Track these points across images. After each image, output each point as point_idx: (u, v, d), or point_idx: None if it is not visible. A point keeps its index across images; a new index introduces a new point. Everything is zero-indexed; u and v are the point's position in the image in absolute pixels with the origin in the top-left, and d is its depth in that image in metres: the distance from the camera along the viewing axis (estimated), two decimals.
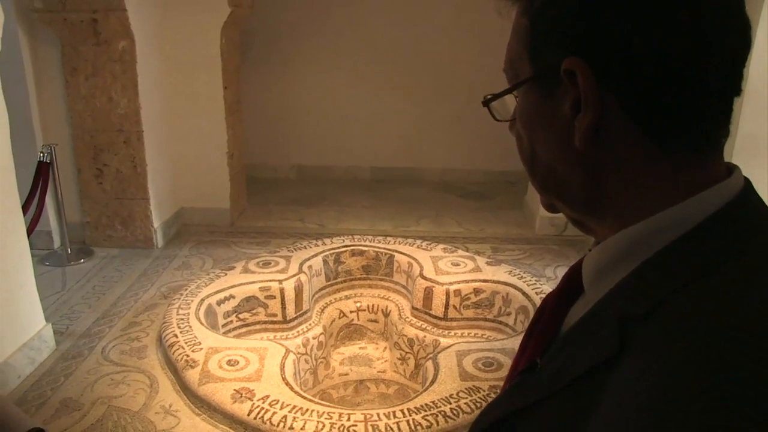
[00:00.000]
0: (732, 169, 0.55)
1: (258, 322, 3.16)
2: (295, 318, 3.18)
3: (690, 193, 0.52)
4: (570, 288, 0.63)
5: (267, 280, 3.18)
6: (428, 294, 3.18)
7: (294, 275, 3.22)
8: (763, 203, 0.54)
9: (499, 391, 2.27)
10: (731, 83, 0.53)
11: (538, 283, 3.22)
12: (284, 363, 2.55)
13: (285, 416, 2.21)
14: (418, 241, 3.70)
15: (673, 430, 0.39)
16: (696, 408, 0.39)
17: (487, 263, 3.44)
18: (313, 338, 3.15)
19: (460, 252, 3.64)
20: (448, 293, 3.14)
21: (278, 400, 2.30)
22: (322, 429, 2.15)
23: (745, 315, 0.43)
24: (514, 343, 2.67)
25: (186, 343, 2.67)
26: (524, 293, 3.08)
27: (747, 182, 0.54)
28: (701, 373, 0.40)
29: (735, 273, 0.47)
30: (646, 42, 0.50)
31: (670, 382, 0.41)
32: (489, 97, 0.65)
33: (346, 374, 3.26)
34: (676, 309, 0.46)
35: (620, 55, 0.51)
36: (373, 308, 3.47)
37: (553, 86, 0.55)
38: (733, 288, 0.46)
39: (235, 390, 2.36)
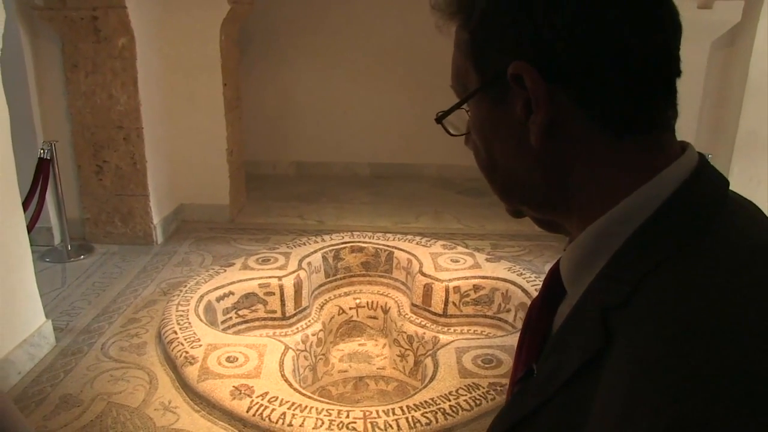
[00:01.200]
0: (685, 147, 0.57)
1: (257, 319, 3.16)
2: (295, 315, 3.19)
3: (648, 177, 0.53)
4: (553, 290, 0.64)
5: (266, 277, 3.18)
6: (428, 290, 3.18)
7: (293, 272, 3.23)
8: (719, 175, 0.56)
9: (498, 389, 2.27)
10: (670, 65, 0.55)
11: (537, 279, 3.22)
12: (283, 360, 2.55)
13: (284, 413, 2.22)
14: (418, 238, 3.71)
15: (648, 409, 0.40)
16: (670, 387, 0.40)
17: (487, 260, 3.44)
18: (313, 335, 3.15)
19: (460, 248, 3.64)
20: (447, 290, 3.15)
21: (277, 397, 2.30)
22: (321, 426, 2.16)
23: (713, 291, 0.44)
24: (514, 339, 2.68)
25: (185, 339, 2.68)
26: (524, 290, 3.08)
27: (701, 157, 0.56)
28: (672, 353, 0.41)
29: (701, 249, 0.48)
30: (586, 36, 0.52)
31: (646, 367, 0.42)
32: (441, 113, 0.65)
33: (346, 371, 3.27)
34: (650, 293, 0.47)
35: (563, 52, 0.52)
36: (372, 305, 3.47)
37: (502, 92, 0.56)
38: (701, 264, 0.47)
39: (234, 387, 2.37)
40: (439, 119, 0.66)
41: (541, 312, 0.65)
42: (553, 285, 0.63)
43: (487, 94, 0.58)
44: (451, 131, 0.67)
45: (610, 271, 0.53)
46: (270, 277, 3.18)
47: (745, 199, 0.57)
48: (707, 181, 0.54)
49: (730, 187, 0.56)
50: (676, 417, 0.38)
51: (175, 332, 2.75)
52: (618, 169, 0.54)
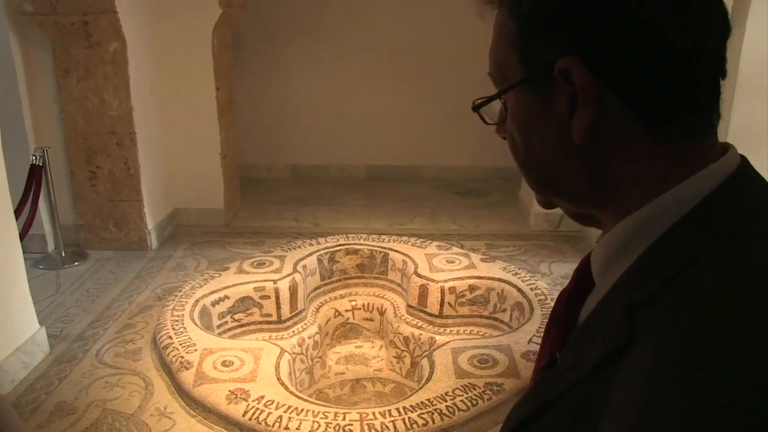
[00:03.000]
0: (727, 148, 0.56)
1: (253, 323, 3.15)
2: (291, 318, 3.17)
3: (687, 177, 0.52)
4: (582, 282, 0.64)
5: (261, 280, 3.17)
6: (423, 292, 3.18)
7: (288, 275, 3.22)
8: (761, 178, 0.55)
9: (494, 389, 2.26)
10: (718, 66, 0.55)
11: (533, 279, 3.22)
12: (279, 363, 2.54)
13: (280, 416, 2.21)
14: (413, 239, 3.70)
15: (667, 409, 0.39)
16: (689, 386, 0.39)
17: (482, 260, 3.44)
18: (309, 338, 3.14)
19: (455, 249, 3.63)
20: (443, 291, 3.14)
21: (273, 401, 2.29)
22: (317, 429, 2.15)
23: (742, 295, 0.44)
24: (509, 339, 2.67)
25: (180, 344, 2.67)
26: (519, 289, 3.08)
27: (743, 159, 0.55)
28: (696, 354, 0.41)
29: (736, 251, 0.48)
30: (637, 35, 0.51)
31: (666, 363, 0.42)
32: (479, 101, 0.65)
33: (343, 373, 3.26)
34: (678, 292, 0.47)
35: (614, 49, 0.52)
36: (368, 307, 3.46)
37: (547, 86, 0.56)
38: (734, 267, 0.46)
39: (230, 391, 2.36)
40: (477, 107, 0.65)
41: (569, 302, 0.65)
42: (583, 276, 0.64)
43: (530, 86, 0.58)
44: (487, 120, 0.67)
45: (640, 266, 0.53)
46: (265, 281, 3.17)
47: None
48: (747, 183, 0.54)
49: None
50: (693, 421, 0.38)
51: (171, 337, 2.73)
52: (658, 168, 0.54)
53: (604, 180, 0.57)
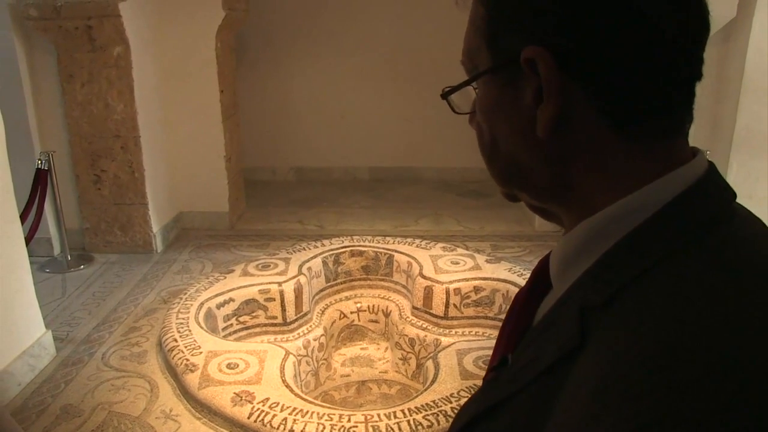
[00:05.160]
0: (695, 153, 0.54)
1: (258, 325, 3.15)
2: (296, 320, 3.17)
3: (654, 179, 0.51)
4: (539, 283, 0.63)
5: (266, 283, 3.17)
6: (428, 293, 3.17)
7: (293, 277, 3.22)
8: (727, 186, 0.54)
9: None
10: (693, 68, 0.53)
11: None
12: (284, 365, 2.54)
13: (285, 418, 2.21)
14: (417, 240, 3.70)
15: (611, 416, 0.38)
16: (636, 392, 0.38)
17: (487, 261, 3.43)
18: (314, 340, 3.14)
19: (460, 250, 3.63)
20: (448, 292, 3.14)
21: (278, 403, 2.29)
22: (322, 431, 2.14)
23: (697, 302, 0.43)
24: None
25: (185, 347, 2.67)
26: None
27: (711, 165, 0.53)
28: (645, 360, 0.40)
29: (694, 259, 0.46)
30: (610, 31, 0.49)
31: (617, 368, 0.41)
32: (447, 89, 0.63)
33: (348, 375, 3.26)
34: (632, 296, 0.46)
35: (583, 44, 0.50)
36: (373, 308, 3.46)
37: (514, 76, 0.54)
38: (690, 274, 0.45)
39: (235, 393, 2.36)
40: (445, 95, 0.64)
41: (525, 303, 0.64)
42: (540, 277, 0.63)
43: (498, 75, 0.56)
44: (456, 109, 0.65)
45: (596, 270, 0.51)
46: (270, 283, 3.17)
47: (753, 215, 0.54)
48: (712, 189, 0.52)
49: (730, 184, 0.54)
50: (640, 422, 0.37)
51: (176, 340, 2.74)
52: (623, 169, 0.52)
53: (566, 176, 0.55)
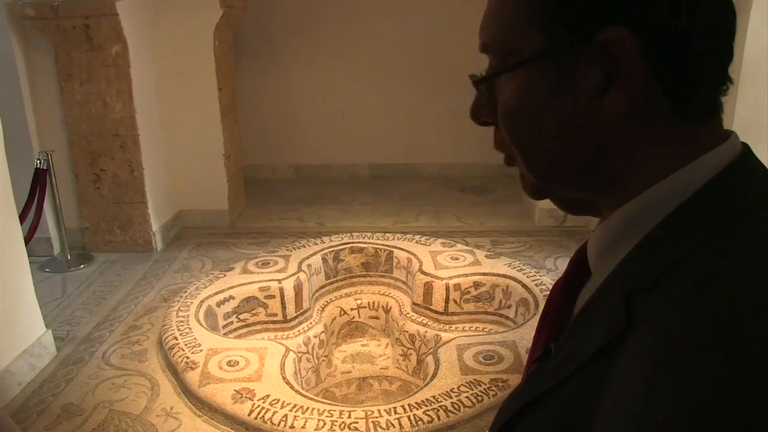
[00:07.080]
0: (730, 134, 0.54)
1: (258, 323, 3.15)
2: (296, 317, 3.18)
3: (693, 159, 0.51)
4: (577, 271, 0.62)
5: (266, 280, 3.17)
6: (428, 289, 3.17)
7: (293, 274, 3.22)
8: (762, 164, 0.53)
9: (499, 385, 2.25)
10: (732, 52, 0.53)
11: (538, 274, 3.21)
12: (284, 362, 2.54)
13: (286, 415, 2.21)
14: (417, 237, 3.70)
15: (670, 394, 0.38)
16: (692, 370, 0.38)
17: (486, 256, 3.43)
18: (315, 337, 3.14)
19: (459, 246, 3.63)
20: (447, 288, 3.14)
21: (279, 400, 2.29)
22: (323, 427, 2.15)
23: (743, 278, 0.43)
24: (514, 335, 2.67)
25: (186, 345, 2.67)
26: (524, 285, 3.07)
27: (745, 145, 0.53)
28: (699, 336, 0.40)
29: (737, 236, 0.46)
30: (689, 16, 0.49)
31: (668, 348, 0.41)
32: (481, 76, 0.59)
33: (349, 372, 3.26)
34: (678, 279, 0.46)
35: (664, 27, 0.49)
36: (373, 305, 3.46)
37: (573, 60, 0.51)
38: (735, 251, 0.45)
39: (235, 390, 2.36)
40: (479, 82, 0.59)
41: (563, 293, 0.63)
42: (578, 266, 0.62)
43: (552, 60, 0.52)
44: (483, 100, 0.60)
45: (638, 254, 0.51)
46: (270, 281, 3.17)
47: None
48: (750, 168, 0.52)
49: None
50: (698, 405, 0.37)
51: (176, 338, 2.74)
52: (670, 153, 0.51)
53: (616, 165, 0.53)
